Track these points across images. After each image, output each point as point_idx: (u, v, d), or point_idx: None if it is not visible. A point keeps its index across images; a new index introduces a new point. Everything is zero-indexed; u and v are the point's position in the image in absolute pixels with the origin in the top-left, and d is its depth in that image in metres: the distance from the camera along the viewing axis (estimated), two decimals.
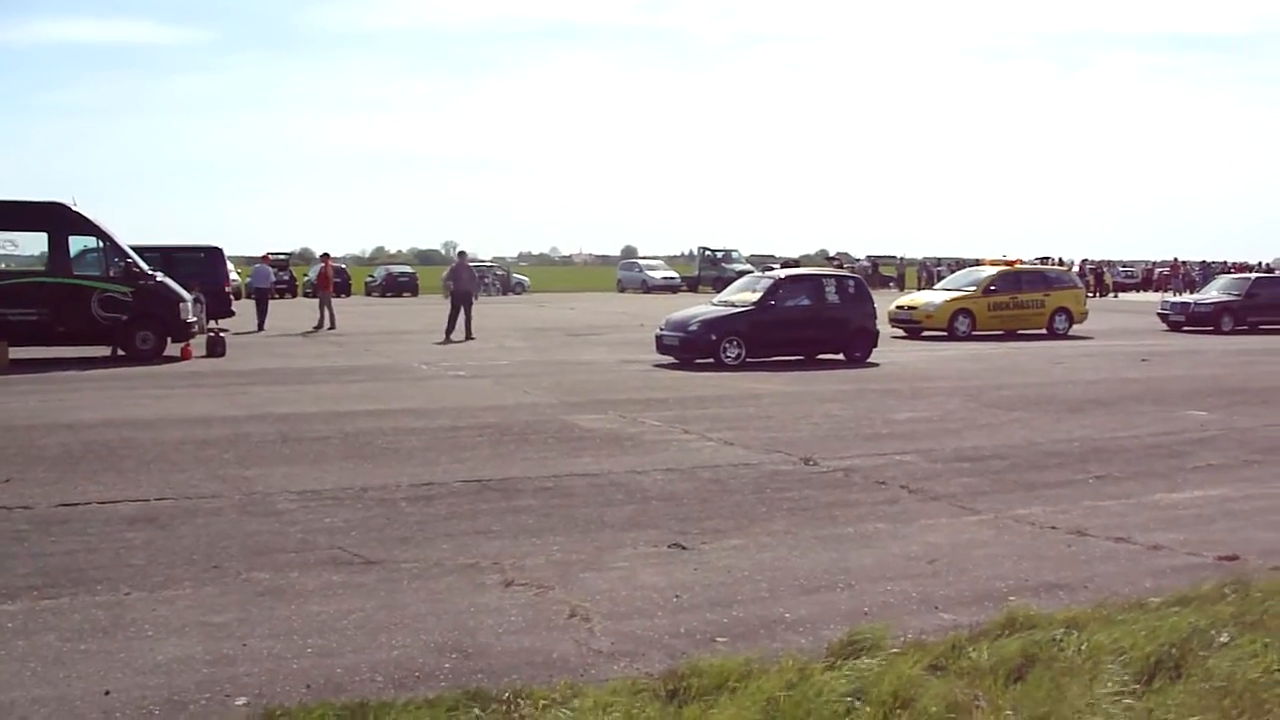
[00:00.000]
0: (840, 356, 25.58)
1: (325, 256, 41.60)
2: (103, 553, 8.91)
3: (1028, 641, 6.55)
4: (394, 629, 7.11)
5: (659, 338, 25.69)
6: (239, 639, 6.90)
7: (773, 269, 79.47)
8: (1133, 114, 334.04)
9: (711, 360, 24.10)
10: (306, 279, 61.34)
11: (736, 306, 25.59)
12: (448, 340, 30.81)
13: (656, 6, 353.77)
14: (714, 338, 24.36)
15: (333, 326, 35.41)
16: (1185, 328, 37.07)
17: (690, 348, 24.59)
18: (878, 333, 26.46)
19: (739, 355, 24.24)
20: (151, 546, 9.10)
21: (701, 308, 26.85)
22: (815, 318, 25.60)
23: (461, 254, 34.17)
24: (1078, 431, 15.51)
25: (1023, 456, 13.63)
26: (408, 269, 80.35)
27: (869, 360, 25.44)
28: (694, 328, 24.77)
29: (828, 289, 26.30)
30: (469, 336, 31.39)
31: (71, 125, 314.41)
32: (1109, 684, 5.95)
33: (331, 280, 38.68)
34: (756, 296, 25.58)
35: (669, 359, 24.85)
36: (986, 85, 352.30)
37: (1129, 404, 18.49)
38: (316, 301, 37.67)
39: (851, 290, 26.62)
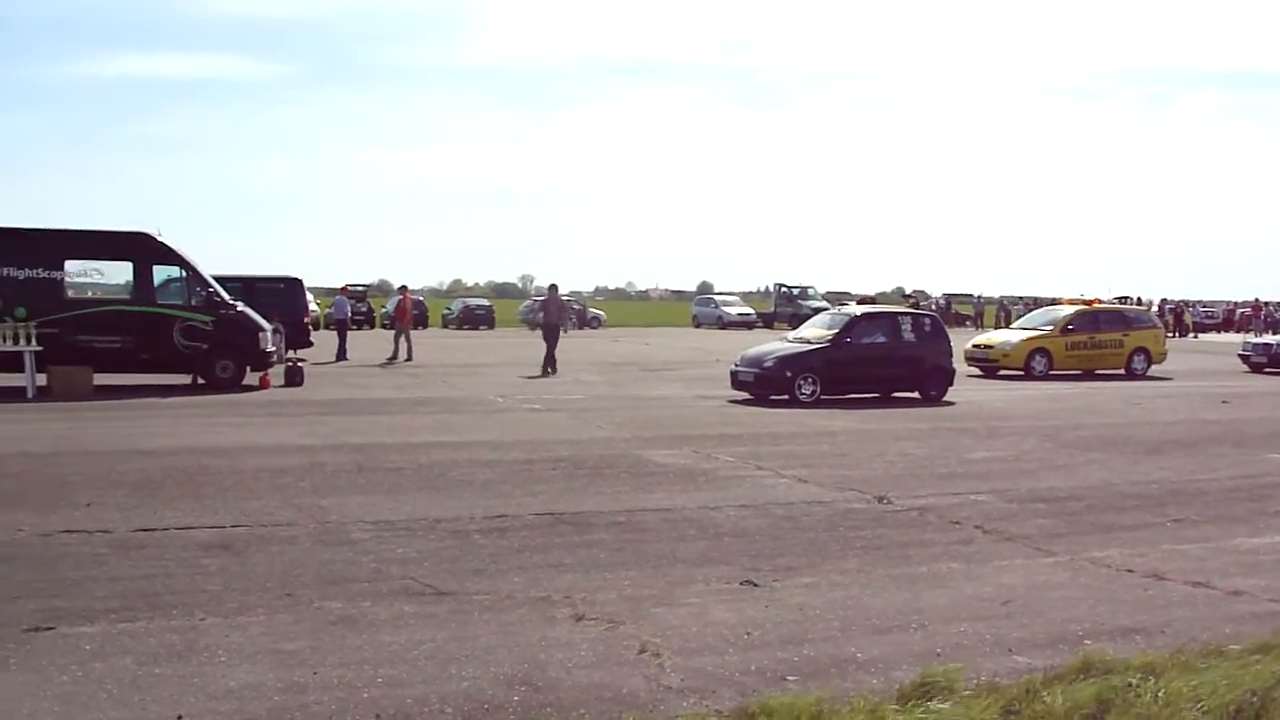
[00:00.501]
0: (916, 395, 25.43)
1: (404, 289, 41.89)
2: (179, 578, 9.01)
3: (1103, 687, 6.45)
4: (464, 660, 7.12)
5: (734, 373, 25.63)
6: (310, 667, 6.94)
7: (848, 305, 79.29)
8: (1216, 152, 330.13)
9: (786, 397, 24.04)
10: (384, 310, 61.72)
11: (812, 343, 25.51)
12: (545, 373, 31.02)
13: (732, 45, 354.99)
14: (789, 374, 24.28)
15: (409, 358, 35.61)
16: (1267, 369, 36.35)
17: (765, 384, 24.52)
18: (954, 371, 26.27)
19: (814, 392, 24.15)
20: (226, 573, 9.18)
21: (777, 344, 26.78)
22: (891, 356, 25.45)
23: (553, 287, 34.28)
24: (1156, 473, 15.29)
25: (1099, 498, 13.45)
26: (484, 302, 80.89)
27: (945, 399, 25.25)
28: (769, 364, 24.71)
29: (904, 326, 26.19)
30: (552, 370, 31.48)
31: (155, 157, 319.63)
32: None
33: (409, 312, 38.95)
34: (832, 333, 25.50)
35: (743, 395, 24.77)
36: (1065, 122, 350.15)
37: (1208, 446, 18.22)
38: (393, 333, 37.98)
39: (927, 328, 26.50)
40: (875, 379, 25.46)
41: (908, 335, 25.93)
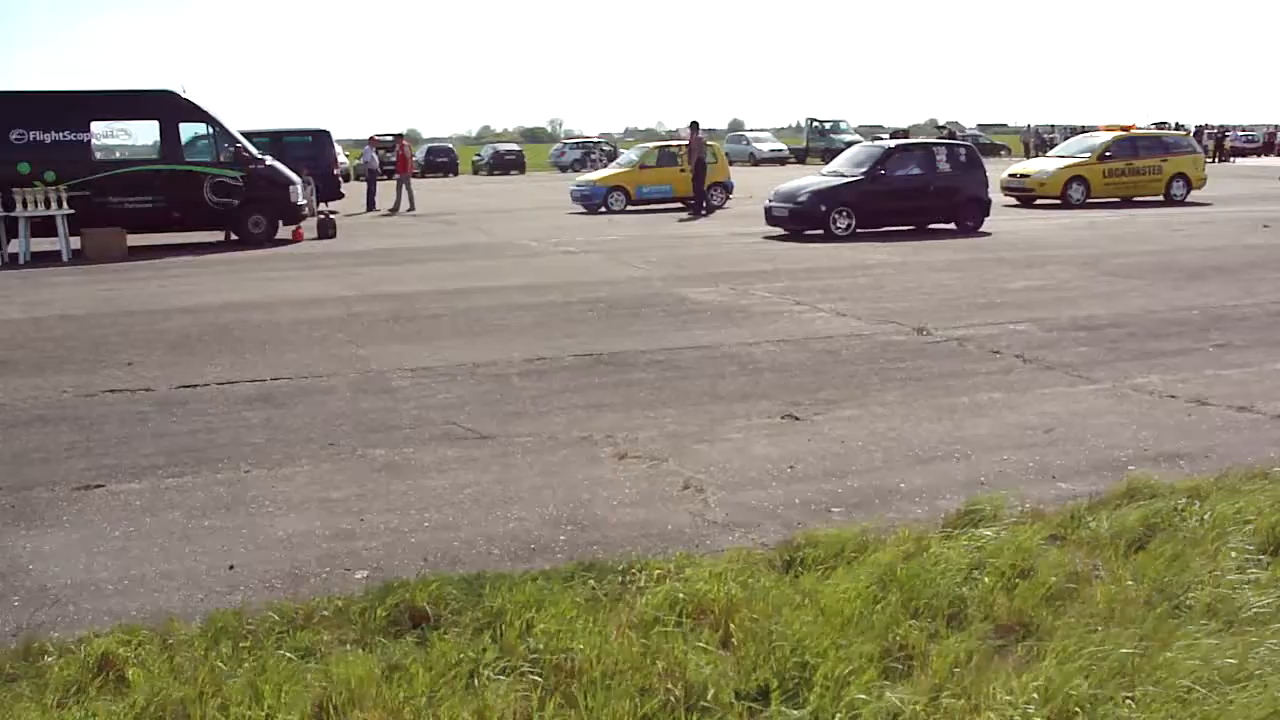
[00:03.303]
0: (952, 226, 25.25)
1: (400, 138, 42.06)
2: (222, 432, 9.06)
3: (1148, 511, 6.42)
4: (509, 503, 7.16)
5: (768, 209, 25.57)
6: (356, 514, 6.99)
7: (881, 139, 78.34)
8: None
9: (821, 231, 23.95)
10: (358, 162, 60.60)
11: (845, 177, 25.33)
12: (699, 214, 31.84)
13: None
14: (824, 208, 24.21)
15: (411, 208, 35.75)
16: None
17: (800, 219, 24.47)
18: (990, 201, 26.04)
19: (849, 225, 24.08)
20: (269, 425, 9.23)
21: (810, 179, 26.52)
22: (926, 187, 25.26)
23: (694, 124, 33.90)
24: (1197, 300, 15.13)
25: (1141, 325, 13.33)
26: (514, 147, 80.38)
27: (981, 229, 25.06)
28: (803, 198, 24.62)
29: (939, 158, 25.94)
30: (706, 210, 32.26)
31: (179, 12, 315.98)
32: (1233, 555, 5.82)
33: (410, 161, 39.11)
34: (866, 167, 25.30)
35: (779, 230, 24.65)
36: None
37: (1250, 271, 17.99)
38: (395, 182, 37.85)
39: (963, 159, 26.23)
40: (910, 211, 25.33)
41: (943, 167, 25.73)
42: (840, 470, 7.79)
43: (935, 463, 7.99)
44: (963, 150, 27.05)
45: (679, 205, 34.02)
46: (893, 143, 28.52)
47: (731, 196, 35.23)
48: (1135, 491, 6.88)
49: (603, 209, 33.43)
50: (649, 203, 33.97)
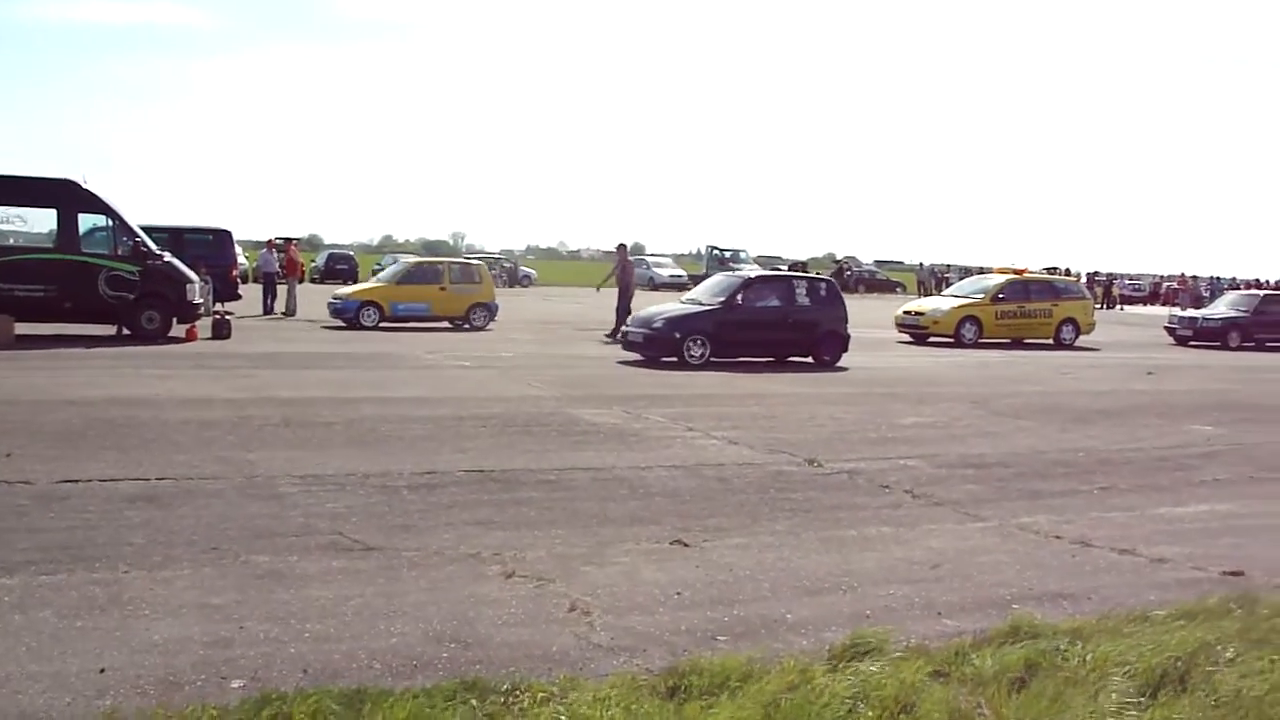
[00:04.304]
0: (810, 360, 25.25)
1: (289, 241, 42.42)
2: (102, 530, 8.86)
3: (1031, 650, 6.50)
4: (393, 616, 7.06)
5: (624, 334, 25.42)
6: (236, 621, 6.85)
7: (780, 269, 79.20)
8: (1144, 123, 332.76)
9: (675, 359, 23.67)
10: (255, 265, 59.30)
11: (703, 305, 25.21)
12: (613, 338, 29.35)
13: (669, 6, 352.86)
14: (678, 335, 23.88)
15: (292, 313, 35.58)
16: (1192, 343, 36.91)
17: (655, 345, 24.12)
18: (848, 337, 25.89)
19: (703, 354, 23.75)
20: (151, 526, 9.04)
21: (669, 305, 26.48)
22: (784, 319, 25.18)
23: (621, 246, 33.32)
24: (1083, 442, 15.44)
25: (1028, 465, 13.56)
26: (474, 260, 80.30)
27: (839, 364, 25.02)
28: (658, 325, 24.30)
29: (798, 291, 25.87)
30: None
31: (91, 103, 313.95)
32: (1113, 696, 5.90)
33: (299, 265, 39.84)
34: (724, 296, 25.19)
35: (634, 356, 24.51)
36: (994, 84, 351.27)
37: (1135, 416, 18.41)
38: (282, 286, 37.47)
39: (823, 293, 26.39)
40: (767, 342, 25.19)
41: (802, 300, 25.65)
42: (728, 598, 7.78)
43: (822, 594, 8.02)
44: (823, 284, 27.23)
45: (444, 325, 32.63)
46: (752, 273, 28.60)
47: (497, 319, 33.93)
48: (1019, 630, 6.96)
49: (364, 322, 31.65)
50: (404, 320, 32.25)
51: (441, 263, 35.56)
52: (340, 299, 32.94)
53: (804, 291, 25.97)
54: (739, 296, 25.09)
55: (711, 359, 23.84)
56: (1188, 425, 17.54)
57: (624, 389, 19.23)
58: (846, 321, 26.03)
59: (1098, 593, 8.27)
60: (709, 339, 24.02)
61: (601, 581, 8.03)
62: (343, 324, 31.60)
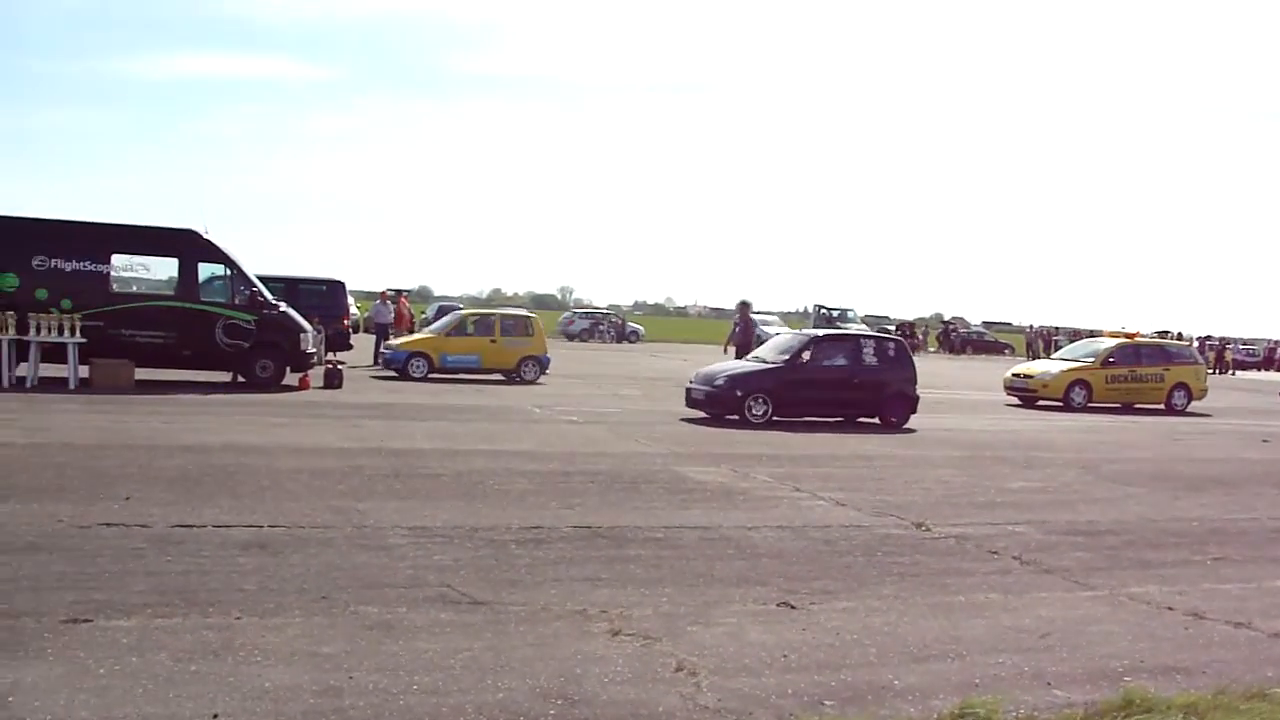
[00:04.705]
0: (890, 420, 24.95)
1: (400, 294, 42.54)
2: (215, 575, 9.02)
3: None
4: (500, 671, 7.09)
5: (688, 390, 25.15)
6: (346, 671, 6.92)
7: (888, 330, 78.86)
8: (1262, 188, 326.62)
9: (737, 417, 23.48)
10: (366, 315, 59.88)
11: (767, 363, 25.01)
12: None
13: (774, 61, 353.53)
14: (739, 394, 23.73)
15: None
16: None
17: (716, 403, 23.99)
18: (916, 398, 25.40)
19: (765, 413, 23.53)
20: (263, 573, 9.18)
21: (734, 363, 26.30)
22: (849, 380, 24.91)
23: (743, 304, 33.15)
24: (1196, 511, 15.16)
25: (1139, 533, 13.34)
26: (524, 312, 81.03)
27: (906, 426, 24.64)
28: (720, 382, 24.16)
29: (865, 351, 25.52)
30: None
31: (205, 156, 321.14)
32: None
33: (408, 317, 40.07)
34: (788, 355, 24.98)
35: (698, 413, 24.33)
36: (1113, 150, 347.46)
37: (1249, 485, 18.06)
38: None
39: (891, 353, 26.06)
40: (831, 402, 24.94)
41: (869, 360, 25.32)
42: (834, 662, 7.72)
43: (930, 661, 7.94)
44: (891, 344, 26.99)
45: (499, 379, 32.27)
46: (819, 332, 27.98)
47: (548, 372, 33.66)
48: (1132, 704, 6.84)
49: (412, 373, 31.49)
50: (454, 372, 31.92)
51: (493, 314, 35.36)
52: (390, 349, 32.92)
53: (871, 352, 25.61)
54: (804, 355, 24.85)
55: (774, 418, 23.60)
56: None
57: (730, 447, 19.19)
58: (915, 382, 25.58)
59: (1212, 667, 8.09)
60: (771, 398, 23.82)
61: (708, 642, 8.01)
62: (394, 373, 31.60)
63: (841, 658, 7.85)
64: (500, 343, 32.61)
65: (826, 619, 8.83)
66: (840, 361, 25.17)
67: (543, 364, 33.11)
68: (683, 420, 23.67)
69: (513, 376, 32.33)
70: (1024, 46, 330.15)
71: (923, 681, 7.43)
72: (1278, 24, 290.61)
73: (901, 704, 6.97)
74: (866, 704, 6.89)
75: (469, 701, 6.53)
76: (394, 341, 34.18)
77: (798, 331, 28.30)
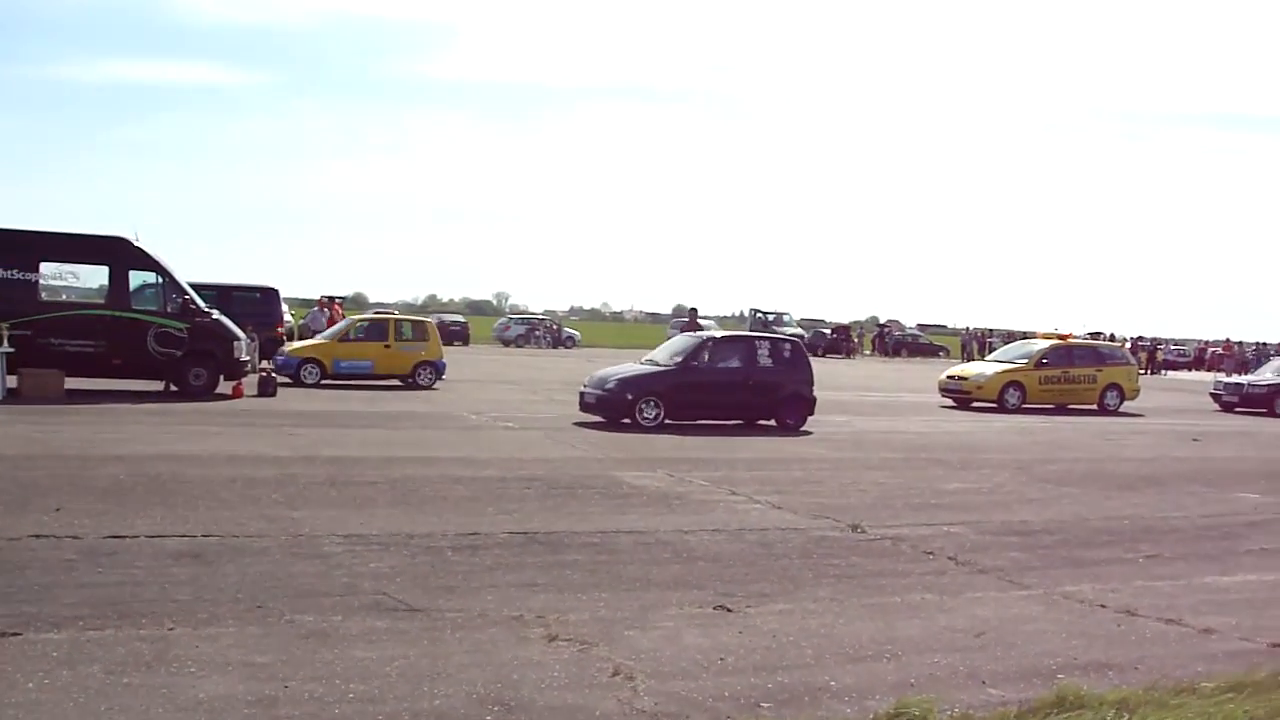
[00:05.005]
0: (789, 422, 24.70)
1: (333, 300, 41.98)
2: (149, 586, 8.94)
3: None
4: (436, 678, 7.07)
5: (581, 394, 24.81)
6: (281, 680, 6.88)
7: (823, 332, 79.24)
8: (1187, 191, 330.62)
9: (629, 421, 23.24)
10: (301, 323, 59.05)
11: (659, 365, 24.82)
12: None
13: (712, 70, 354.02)
14: (630, 397, 23.63)
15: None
16: (1238, 409, 36.62)
17: (607, 406, 23.71)
18: (813, 400, 25.31)
19: (657, 416, 23.34)
20: (197, 583, 9.11)
21: (626, 366, 26.15)
22: (744, 382, 24.62)
23: (693, 311, 32.51)
24: (1128, 509, 15.36)
25: (1072, 532, 13.50)
26: (460, 318, 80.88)
27: (804, 428, 24.40)
28: (611, 386, 23.95)
29: (760, 353, 25.28)
30: None
31: (135, 162, 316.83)
32: None
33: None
34: (681, 357, 24.85)
35: (593, 417, 24.05)
36: (1043, 156, 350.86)
37: (1180, 483, 18.30)
38: None
39: (787, 354, 25.69)
40: (726, 405, 24.69)
41: (764, 361, 25.02)
42: (771, 664, 7.76)
43: (866, 661, 7.99)
44: (787, 345, 26.57)
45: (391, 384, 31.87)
46: (713, 334, 27.78)
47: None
48: (1065, 700, 6.92)
49: (304, 379, 30.66)
50: (347, 378, 31.17)
51: (386, 319, 34.42)
52: (283, 355, 31.82)
53: (766, 354, 25.34)
54: (696, 357, 24.64)
55: (666, 421, 23.35)
56: (1234, 493, 17.44)
57: (666, 452, 19.23)
58: (812, 384, 25.33)
59: (1144, 663, 8.20)
60: (663, 400, 23.59)
61: (645, 646, 8.03)
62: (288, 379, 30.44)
63: (778, 660, 7.89)
64: (394, 348, 32.04)
65: (763, 621, 8.86)
66: (734, 364, 24.92)
67: (438, 369, 32.56)
68: (577, 424, 23.45)
69: (408, 381, 31.89)
70: (967, 53, 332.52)
71: (859, 682, 7.47)
72: (1246, 31, 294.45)
73: (838, 705, 7.01)
74: (803, 705, 6.93)
75: (405, 709, 6.51)
76: (286, 347, 33.19)
77: (692, 334, 27.80)
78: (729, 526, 12.73)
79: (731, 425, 24.31)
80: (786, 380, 25.07)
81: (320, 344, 32.41)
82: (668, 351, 25.95)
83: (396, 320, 34.31)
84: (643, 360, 26.55)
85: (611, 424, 23.31)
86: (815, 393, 25.42)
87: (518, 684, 7.05)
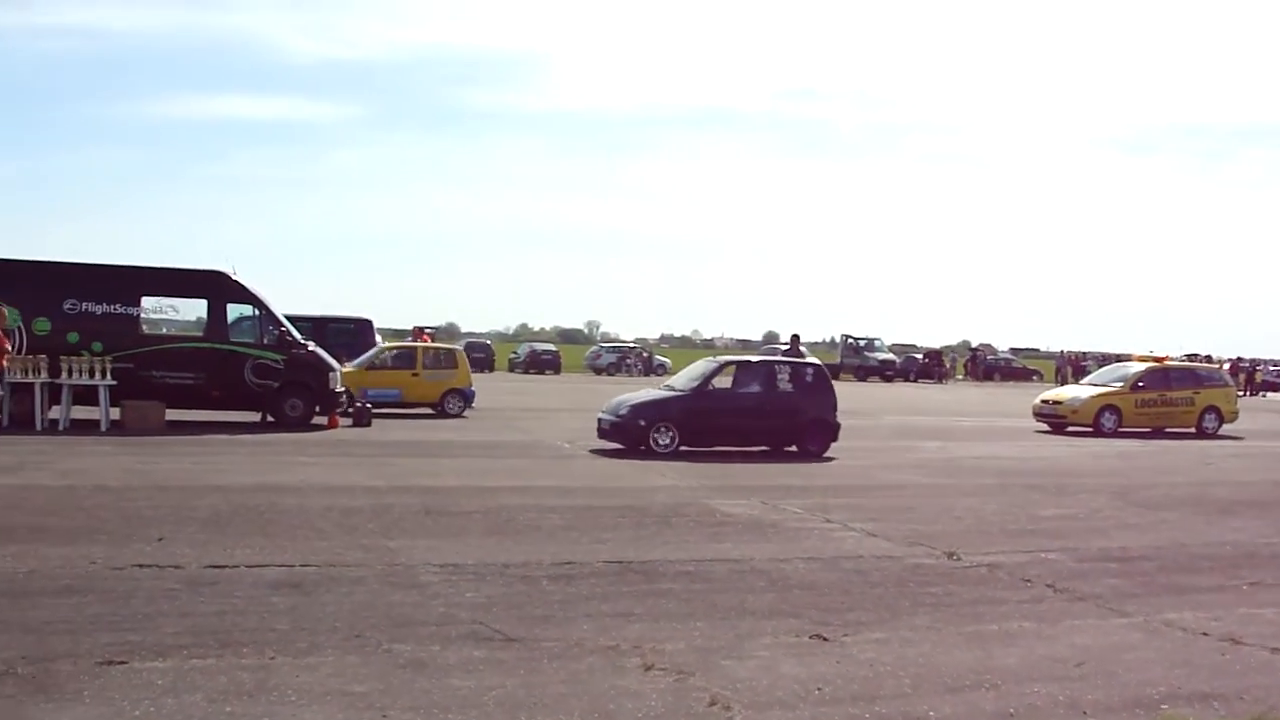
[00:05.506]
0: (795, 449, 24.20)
1: (421, 331, 42.11)
2: (249, 615, 9.05)
3: None
4: (534, 708, 7.09)
5: (599, 421, 24.36)
6: (380, 710, 6.93)
7: (915, 357, 78.67)
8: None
9: (643, 447, 22.90)
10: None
11: (674, 391, 24.46)
12: None
13: (799, 96, 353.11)
14: (643, 423, 23.24)
15: None
16: None
17: (621, 433, 23.33)
18: (837, 426, 24.55)
19: (671, 443, 23.04)
20: (296, 612, 9.21)
21: (643, 392, 25.79)
22: (762, 407, 24.08)
23: (795, 337, 32.58)
24: (1230, 535, 15.09)
25: (1172, 558, 13.27)
26: (551, 347, 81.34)
27: (827, 455, 23.85)
28: (624, 412, 23.75)
29: (780, 377, 24.67)
30: None
31: (227, 197, 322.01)
32: None
33: None
34: (697, 382, 24.44)
35: (611, 444, 23.69)
36: (1128, 177, 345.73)
37: None
38: None
39: (809, 379, 25.05)
40: (745, 431, 24.18)
41: (784, 386, 24.42)
42: (868, 694, 7.69)
43: (965, 691, 7.89)
44: (809, 369, 25.65)
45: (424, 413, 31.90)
46: (731, 358, 27.11)
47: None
48: None
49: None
50: (375, 406, 29.47)
51: (414, 347, 34.61)
52: None
53: (787, 378, 24.70)
54: (713, 382, 24.29)
55: (682, 448, 23.00)
56: None
57: (759, 479, 19.19)
58: (835, 409, 24.62)
59: (1249, 693, 8.03)
60: (677, 426, 23.17)
61: (741, 675, 7.99)
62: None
63: (876, 689, 7.82)
64: (422, 376, 32.16)
65: (859, 650, 8.80)
66: (753, 389, 24.42)
67: (467, 397, 32.50)
68: (593, 451, 23.23)
69: (437, 410, 31.85)
70: (1048, 63, 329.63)
71: (958, 712, 7.39)
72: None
73: None
74: None
75: None
76: None
77: (711, 359, 27.03)
78: (824, 554, 12.66)
79: (818, 454, 23.90)
80: (809, 405, 24.42)
81: (349, 372, 31.70)
82: (685, 377, 25.58)
83: (424, 348, 34.32)
84: (661, 386, 26.42)
85: (630, 451, 22.98)
86: (839, 419, 24.68)
87: (615, 713, 7.05)
